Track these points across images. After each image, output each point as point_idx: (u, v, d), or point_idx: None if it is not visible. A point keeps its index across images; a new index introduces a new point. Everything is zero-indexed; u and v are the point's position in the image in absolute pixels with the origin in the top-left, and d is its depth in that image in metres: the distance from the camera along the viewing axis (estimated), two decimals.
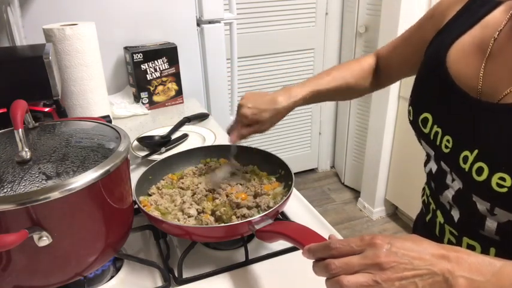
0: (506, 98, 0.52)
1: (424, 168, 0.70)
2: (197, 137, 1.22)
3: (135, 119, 1.42)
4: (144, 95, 1.47)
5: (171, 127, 1.25)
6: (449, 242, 0.63)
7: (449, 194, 0.61)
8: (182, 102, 1.55)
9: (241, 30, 2.23)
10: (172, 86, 1.51)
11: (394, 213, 2.44)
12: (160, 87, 1.49)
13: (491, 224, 0.55)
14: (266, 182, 0.84)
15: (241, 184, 0.83)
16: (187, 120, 1.30)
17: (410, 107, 0.67)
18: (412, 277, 0.41)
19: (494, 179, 0.50)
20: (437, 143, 0.60)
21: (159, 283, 0.69)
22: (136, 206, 0.74)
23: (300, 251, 0.50)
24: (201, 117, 1.36)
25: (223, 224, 0.71)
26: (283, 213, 0.85)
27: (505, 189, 0.49)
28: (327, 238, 0.49)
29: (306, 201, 0.91)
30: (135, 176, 0.80)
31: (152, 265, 0.71)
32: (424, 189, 0.74)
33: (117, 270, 0.73)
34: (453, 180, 0.60)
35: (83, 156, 0.61)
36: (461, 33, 0.61)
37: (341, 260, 0.43)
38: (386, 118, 2.13)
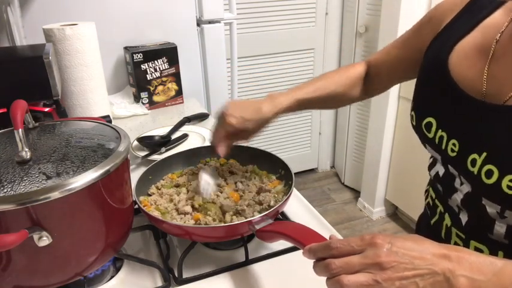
0: (511, 101, 0.52)
1: (429, 172, 0.70)
2: (197, 137, 1.21)
3: (135, 119, 1.42)
4: (144, 95, 1.47)
5: (171, 127, 1.25)
6: (456, 245, 0.62)
7: (457, 197, 0.60)
8: (182, 102, 1.55)
9: (241, 30, 2.23)
10: (172, 86, 1.51)
11: (394, 213, 2.44)
12: (160, 87, 1.49)
13: (500, 228, 0.55)
14: (266, 181, 0.84)
15: (241, 182, 0.83)
16: (187, 120, 1.30)
17: (412, 112, 0.67)
18: (412, 277, 0.41)
19: (505, 182, 0.50)
20: (443, 147, 0.60)
21: (159, 283, 0.69)
22: (136, 206, 0.73)
23: (300, 251, 0.50)
24: (201, 117, 1.36)
25: (223, 224, 0.71)
26: (283, 213, 0.85)
27: None
28: (328, 238, 0.49)
29: (306, 201, 0.91)
30: (135, 176, 0.80)
31: (152, 265, 0.71)
32: (427, 191, 0.73)
33: (117, 270, 0.73)
34: (462, 183, 0.59)
35: (83, 156, 0.61)
36: (462, 36, 0.60)
37: (341, 259, 0.43)
38: (386, 118, 2.13)
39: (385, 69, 0.81)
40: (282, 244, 0.73)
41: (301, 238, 0.55)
